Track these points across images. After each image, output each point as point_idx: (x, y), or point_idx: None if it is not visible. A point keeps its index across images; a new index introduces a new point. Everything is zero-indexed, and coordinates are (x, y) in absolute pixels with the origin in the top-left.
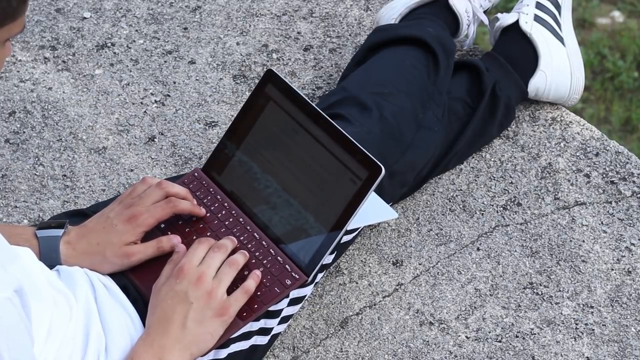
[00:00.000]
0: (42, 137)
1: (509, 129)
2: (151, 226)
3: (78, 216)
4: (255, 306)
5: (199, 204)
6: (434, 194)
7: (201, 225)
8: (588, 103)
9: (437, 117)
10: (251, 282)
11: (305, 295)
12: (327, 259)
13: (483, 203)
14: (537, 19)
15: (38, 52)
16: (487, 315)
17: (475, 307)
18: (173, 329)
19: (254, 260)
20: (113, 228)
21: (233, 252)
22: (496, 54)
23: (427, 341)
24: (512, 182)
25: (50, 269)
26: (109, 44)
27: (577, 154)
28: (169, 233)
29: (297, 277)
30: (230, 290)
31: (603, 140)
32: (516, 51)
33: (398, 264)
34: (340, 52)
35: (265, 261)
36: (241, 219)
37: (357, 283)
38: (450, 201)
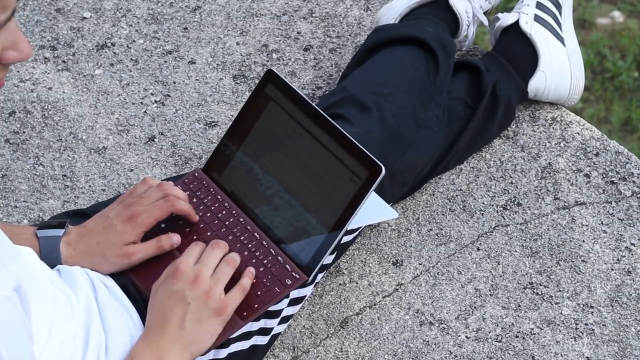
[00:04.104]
0: (42, 137)
1: (509, 129)
2: (150, 226)
3: (78, 216)
4: (256, 306)
5: (199, 204)
6: (434, 194)
7: (202, 226)
8: (588, 103)
9: (437, 117)
10: (246, 280)
11: (306, 296)
12: (328, 259)
13: (483, 203)
14: (537, 19)
15: (38, 52)
16: (487, 315)
17: (475, 307)
18: (171, 330)
19: (254, 260)
20: (112, 228)
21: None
22: (496, 54)
23: (427, 341)
24: (512, 182)
25: (51, 268)
26: (109, 44)
27: (577, 154)
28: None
29: (298, 277)
30: (226, 288)
31: (603, 140)
32: (516, 51)
33: (398, 264)
34: (340, 52)
35: (265, 261)
36: (241, 219)
37: (357, 283)
38: (450, 201)
